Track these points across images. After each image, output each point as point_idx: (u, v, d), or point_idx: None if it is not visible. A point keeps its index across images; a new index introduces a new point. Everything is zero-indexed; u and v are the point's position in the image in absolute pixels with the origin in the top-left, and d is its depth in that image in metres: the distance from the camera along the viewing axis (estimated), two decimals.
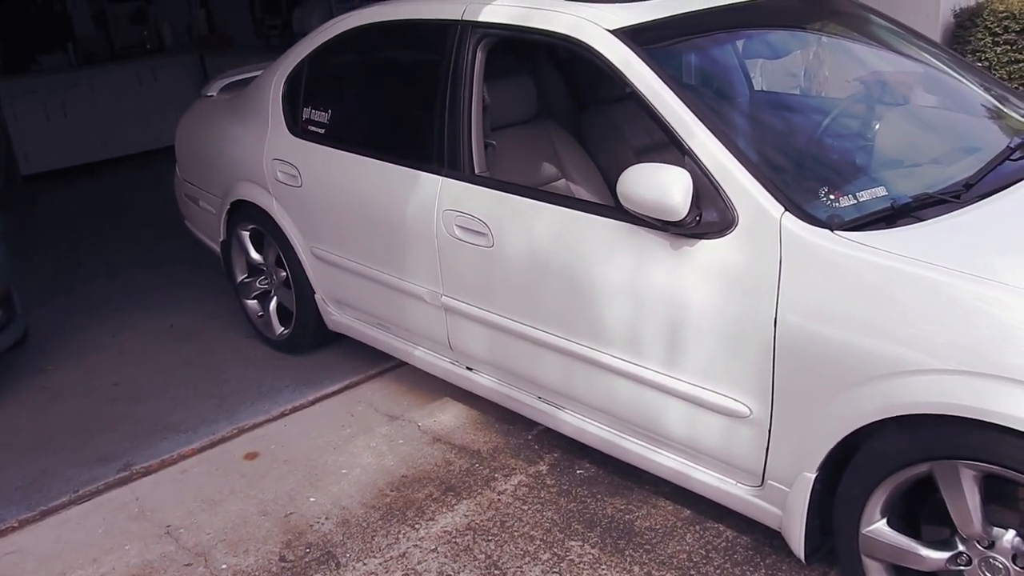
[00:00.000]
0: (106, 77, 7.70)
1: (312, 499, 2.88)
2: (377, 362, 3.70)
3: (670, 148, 3.64)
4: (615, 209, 2.41)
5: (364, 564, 2.57)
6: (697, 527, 2.62)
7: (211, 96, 4.21)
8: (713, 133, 2.23)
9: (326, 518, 2.79)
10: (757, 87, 2.80)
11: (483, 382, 3.04)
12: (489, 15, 2.80)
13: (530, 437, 3.15)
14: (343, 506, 2.84)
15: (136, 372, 3.85)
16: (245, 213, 3.79)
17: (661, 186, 2.15)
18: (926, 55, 2.93)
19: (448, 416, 3.32)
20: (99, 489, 3.00)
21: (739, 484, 2.34)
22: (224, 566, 2.60)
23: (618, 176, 2.20)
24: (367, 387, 3.60)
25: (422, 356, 3.25)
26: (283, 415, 3.42)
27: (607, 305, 2.42)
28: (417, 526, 2.72)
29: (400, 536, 2.68)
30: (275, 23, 7.57)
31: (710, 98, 2.53)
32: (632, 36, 2.48)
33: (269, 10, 7.88)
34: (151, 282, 4.91)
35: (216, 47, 8.31)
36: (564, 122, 3.46)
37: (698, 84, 2.44)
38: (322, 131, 3.37)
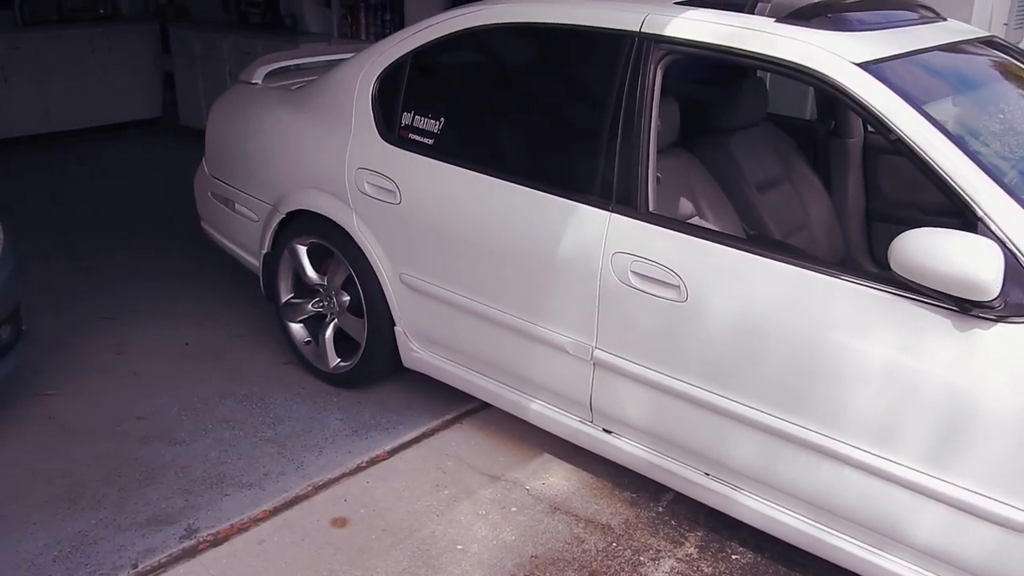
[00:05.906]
0: (54, 41, 6.84)
1: None
2: (451, 404, 3.24)
3: (784, 184, 3.43)
4: (872, 275, 2.07)
5: None
6: None
7: (255, 83, 3.63)
8: (1013, 197, 1.92)
9: None
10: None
11: (625, 448, 2.64)
12: (680, 30, 2.41)
13: (661, 509, 2.77)
14: None
15: (161, 402, 3.24)
16: (306, 225, 3.26)
17: (965, 258, 1.82)
18: None
19: (557, 479, 2.91)
20: (162, 563, 2.44)
21: None
22: None
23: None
24: (449, 435, 3.13)
25: (539, 410, 2.82)
26: (360, 468, 2.92)
27: (852, 388, 2.07)
28: None
29: None
30: (256, 1, 6.88)
31: (991, 151, 2.22)
32: (881, 72, 2.14)
33: None
34: (141, 287, 4.24)
35: (175, 18, 7.57)
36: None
37: (963, 133, 2.12)
38: (430, 142, 2.88)
